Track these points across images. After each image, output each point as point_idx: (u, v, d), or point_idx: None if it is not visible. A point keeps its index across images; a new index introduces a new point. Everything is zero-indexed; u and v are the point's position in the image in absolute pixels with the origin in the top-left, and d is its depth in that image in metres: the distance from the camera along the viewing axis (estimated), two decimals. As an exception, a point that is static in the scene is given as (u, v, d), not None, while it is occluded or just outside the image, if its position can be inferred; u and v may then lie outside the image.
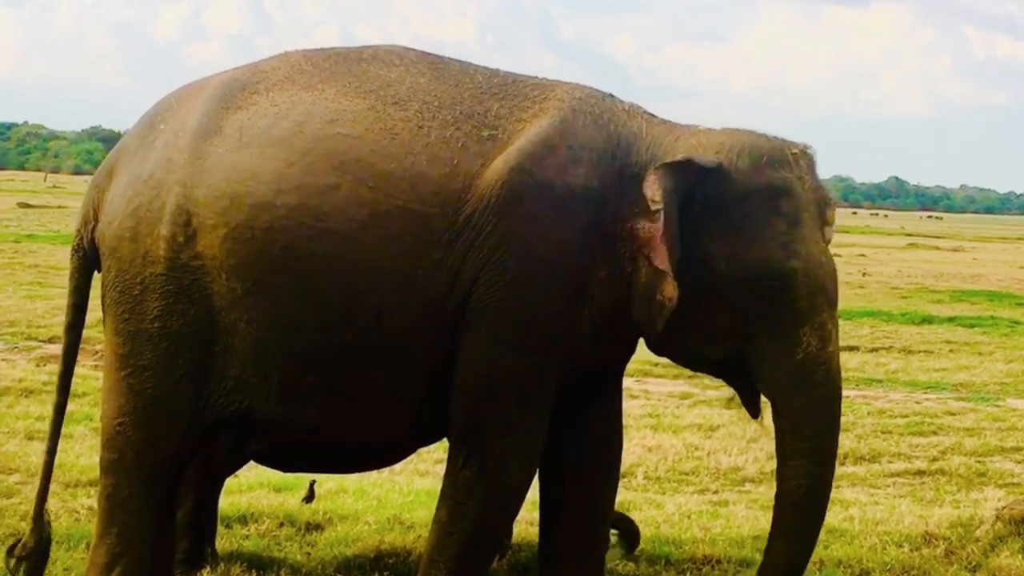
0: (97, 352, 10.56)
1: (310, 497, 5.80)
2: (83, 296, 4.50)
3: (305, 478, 5.78)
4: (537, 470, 4.42)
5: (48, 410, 7.94)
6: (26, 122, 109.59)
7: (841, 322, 4.48)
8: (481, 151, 4.10)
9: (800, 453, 4.19)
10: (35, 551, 4.50)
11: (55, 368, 9.40)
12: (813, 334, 4.15)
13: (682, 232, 4.10)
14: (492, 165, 4.07)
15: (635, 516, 5.90)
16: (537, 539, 4.72)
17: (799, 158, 4.25)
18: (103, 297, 4.32)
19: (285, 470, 4.90)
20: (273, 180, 4.07)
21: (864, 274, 23.26)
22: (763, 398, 4.36)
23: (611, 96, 4.41)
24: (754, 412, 4.41)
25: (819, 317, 4.17)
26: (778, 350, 4.16)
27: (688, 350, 4.34)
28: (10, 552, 4.53)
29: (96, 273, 4.42)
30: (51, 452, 4.62)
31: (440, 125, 4.13)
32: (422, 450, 5.27)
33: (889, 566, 5.39)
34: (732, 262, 4.12)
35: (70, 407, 8.19)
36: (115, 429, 4.27)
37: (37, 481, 6.08)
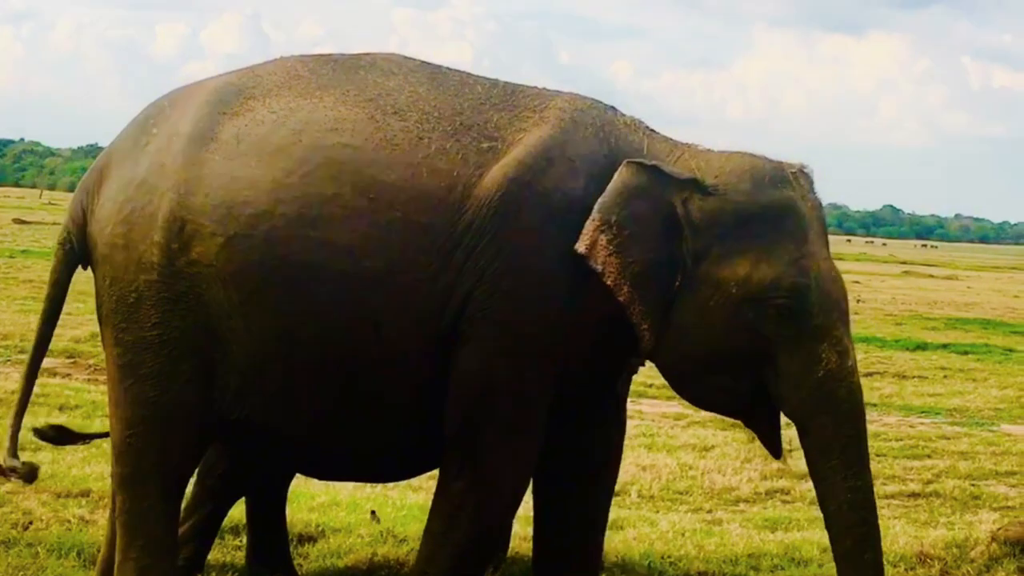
0: (90, 366, 10.57)
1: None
2: (62, 289, 4.42)
3: (298, 489, 5.75)
4: (531, 482, 4.39)
5: (41, 422, 7.97)
6: (23, 139, 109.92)
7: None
8: (480, 162, 4.08)
9: (833, 471, 4.12)
10: None
11: (47, 380, 9.51)
12: (831, 350, 4.11)
13: (677, 254, 4.07)
14: (490, 175, 4.05)
15: (628, 533, 5.89)
16: (531, 553, 4.70)
17: (798, 176, 4.24)
18: (99, 308, 4.28)
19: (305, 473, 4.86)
20: (272, 189, 4.03)
21: (859, 300, 23.23)
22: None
23: (613, 108, 4.38)
24: (776, 452, 4.33)
25: (835, 332, 4.13)
26: (799, 369, 4.11)
27: (708, 384, 4.25)
28: None
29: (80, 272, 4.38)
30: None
31: (440, 136, 4.11)
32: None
33: (884, 585, 5.37)
34: (743, 284, 4.07)
35: (61, 418, 8.25)
36: (126, 442, 4.21)
37: (28, 489, 6.10)
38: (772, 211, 4.13)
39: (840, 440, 4.12)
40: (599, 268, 4.00)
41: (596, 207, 4.02)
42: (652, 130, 4.40)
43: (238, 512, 5.51)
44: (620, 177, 4.06)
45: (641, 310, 4.04)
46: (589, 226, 4.01)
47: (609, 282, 4.01)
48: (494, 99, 4.25)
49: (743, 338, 4.12)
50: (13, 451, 4.43)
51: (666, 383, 4.42)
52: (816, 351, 4.10)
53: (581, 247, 4.00)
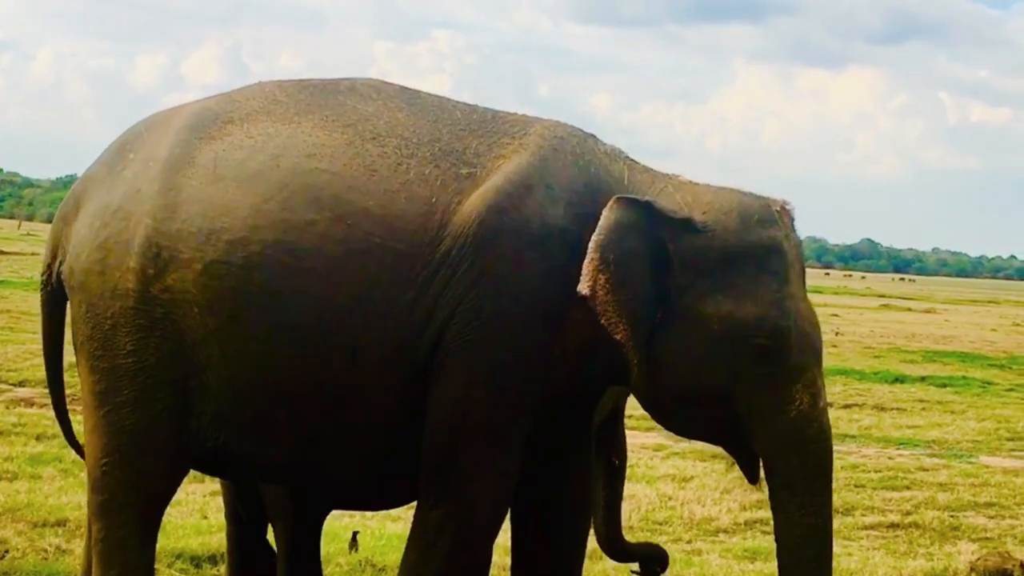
0: (67, 396, 10.48)
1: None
2: (58, 331, 4.41)
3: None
4: (509, 511, 4.36)
5: (18, 451, 7.99)
6: (1, 170, 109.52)
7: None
8: (459, 189, 4.05)
9: (792, 506, 4.11)
10: None
11: (24, 410, 9.47)
12: (805, 391, 4.10)
13: (662, 288, 4.06)
14: (469, 202, 4.03)
15: (607, 563, 5.86)
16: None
17: (783, 215, 4.23)
18: (74, 335, 4.21)
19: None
20: (249, 215, 3.99)
21: (837, 333, 23.31)
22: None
23: (593, 136, 4.36)
24: (752, 478, 4.33)
25: (809, 374, 4.12)
26: (771, 408, 4.10)
27: (685, 414, 4.25)
28: None
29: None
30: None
31: (419, 162, 4.09)
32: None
33: (863, 615, 5.37)
34: (725, 321, 4.06)
35: (38, 448, 8.25)
36: (101, 470, 4.16)
37: (5, 519, 6.06)
38: (759, 250, 4.12)
39: (805, 478, 4.12)
40: (598, 307, 3.97)
41: (592, 246, 3.97)
42: (633, 160, 4.38)
43: (217, 540, 5.49)
44: (613, 214, 4.02)
45: (633, 345, 4.01)
46: (588, 267, 3.97)
47: (606, 320, 3.97)
48: (473, 125, 4.23)
49: (719, 373, 4.10)
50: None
51: (645, 414, 4.42)
52: (790, 391, 4.10)
53: (584, 289, 3.96)
